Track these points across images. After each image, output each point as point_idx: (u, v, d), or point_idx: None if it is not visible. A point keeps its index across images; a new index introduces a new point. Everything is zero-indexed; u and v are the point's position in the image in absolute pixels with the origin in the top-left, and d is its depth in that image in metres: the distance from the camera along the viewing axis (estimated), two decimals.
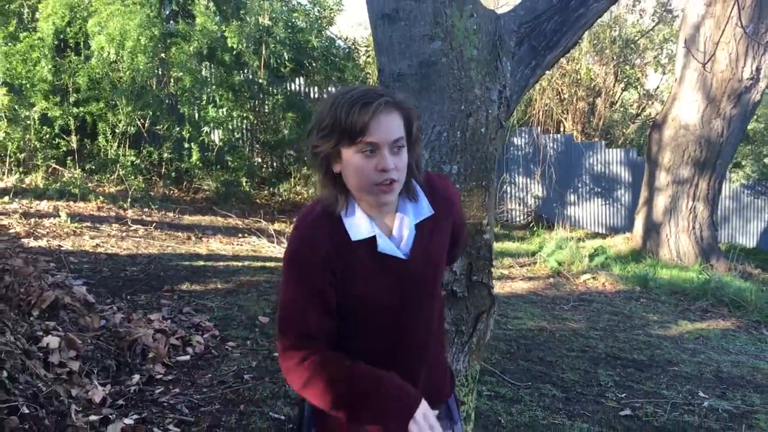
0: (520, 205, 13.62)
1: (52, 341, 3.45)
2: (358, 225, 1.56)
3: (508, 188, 13.50)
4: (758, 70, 9.79)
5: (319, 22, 11.31)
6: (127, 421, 3.23)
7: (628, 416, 4.11)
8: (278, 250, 7.81)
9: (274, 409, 3.53)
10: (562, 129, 14.83)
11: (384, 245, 1.57)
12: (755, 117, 12.57)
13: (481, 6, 2.35)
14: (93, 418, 3.16)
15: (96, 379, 3.54)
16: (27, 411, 2.78)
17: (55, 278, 4.33)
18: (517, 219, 13.49)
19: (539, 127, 13.77)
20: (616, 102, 15.74)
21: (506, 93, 2.36)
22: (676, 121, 10.25)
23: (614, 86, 15.38)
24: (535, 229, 12.38)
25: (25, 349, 3.29)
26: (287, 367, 1.58)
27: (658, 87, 16.32)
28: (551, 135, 13.94)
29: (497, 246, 9.55)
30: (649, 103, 16.22)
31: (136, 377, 3.73)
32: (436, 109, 2.29)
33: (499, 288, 7.64)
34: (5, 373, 2.85)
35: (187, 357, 4.14)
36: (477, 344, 2.45)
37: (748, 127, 12.09)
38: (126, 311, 4.48)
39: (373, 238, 1.56)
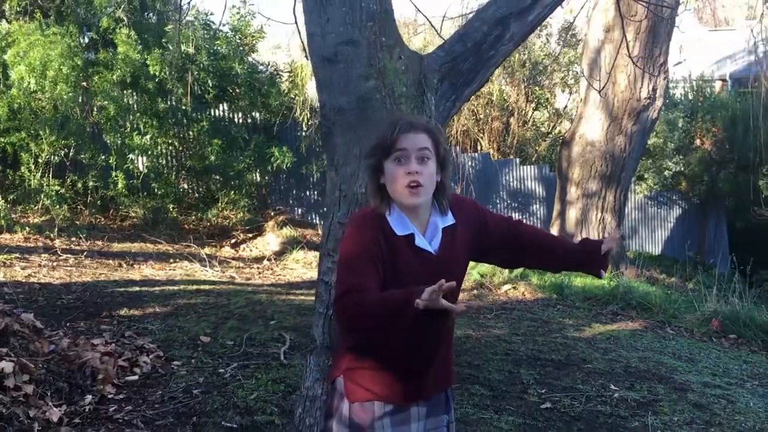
0: None
1: (6, 366, 3.59)
2: (400, 224, 2.02)
3: None
4: (654, 90, 10.66)
5: (242, 49, 11.54)
6: None
7: (548, 408, 4.55)
8: (211, 273, 7.99)
9: (225, 419, 3.78)
10: (479, 148, 15.50)
11: (419, 241, 2.04)
12: (654, 133, 13.53)
13: (407, 49, 2.74)
14: None
15: (50, 400, 3.70)
16: None
17: (3, 307, 4.43)
18: None
19: (458, 147, 14.38)
20: (528, 121, 16.57)
21: (431, 123, 2.74)
22: (583, 139, 10.99)
23: (526, 106, 16.20)
24: None
25: None
26: (339, 311, 1.93)
27: (566, 106, 17.26)
28: (469, 154, 14.57)
29: None
30: (559, 121, 17.14)
31: (89, 397, 3.90)
32: (373, 138, 2.65)
33: None
34: None
35: (136, 377, 4.32)
36: None
37: (649, 143, 13.03)
38: (71, 336, 4.62)
39: (412, 235, 2.02)
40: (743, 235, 14.00)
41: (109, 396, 4.00)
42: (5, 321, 3.94)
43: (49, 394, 3.76)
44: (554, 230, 11.57)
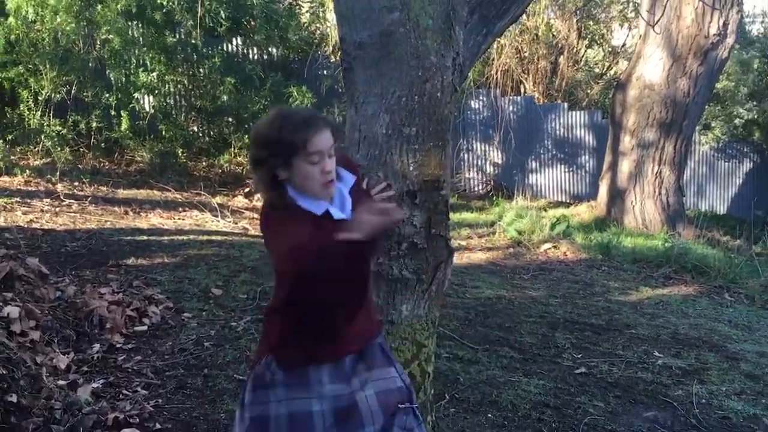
0: (478, 173, 14.17)
1: (12, 311, 3.88)
2: (314, 205, 2.21)
3: (465, 155, 13.99)
4: (725, 25, 10.47)
5: None
6: (95, 385, 3.71)
7: (582, 374, 4.74)
8: (223, 224, 8.26)
9: (237, 372, 4.04)
10: (522, 90, 15.40)
11: (336, 214, 2.23)
12: (725, 75, 13.38)
13: None
14: (61, 382, 3.63)
15: (57, 347, 3.99)
16: (4, 372, 3.23)
17: (7, 251, 4.73)
18: (475, 188, 14.08)
19: (498, 89, 14.32)
20: (580, 60, 16.40)
21: (459, 60, 2.88)
22: (640, 81, 10.93)
23: (578, 43, 16.02)
24: (494, 197, 12.93)
25: None
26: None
27: (624, 44, 17.03)
28: (510, 97, 14.53)
29: (455, 217, 10.12)
30: (615, 61, 16.94)
31: (97, 346, 4.20)
32: (395, 75, 2.81)
33: (457, 259, 8.21)
34: None
35: (145, 327, 4.62)
36: (436, 291, 3.01)
37: (717, 86, 12.90)
38: (78, 284, 4.91)
39: (328, 212, 2.22)
40: None
41: (118, 345, 4.29)
42: (10, 265, 4.22)
43: (55, 341, 4.05)
44: (603, 185, 11.62)
